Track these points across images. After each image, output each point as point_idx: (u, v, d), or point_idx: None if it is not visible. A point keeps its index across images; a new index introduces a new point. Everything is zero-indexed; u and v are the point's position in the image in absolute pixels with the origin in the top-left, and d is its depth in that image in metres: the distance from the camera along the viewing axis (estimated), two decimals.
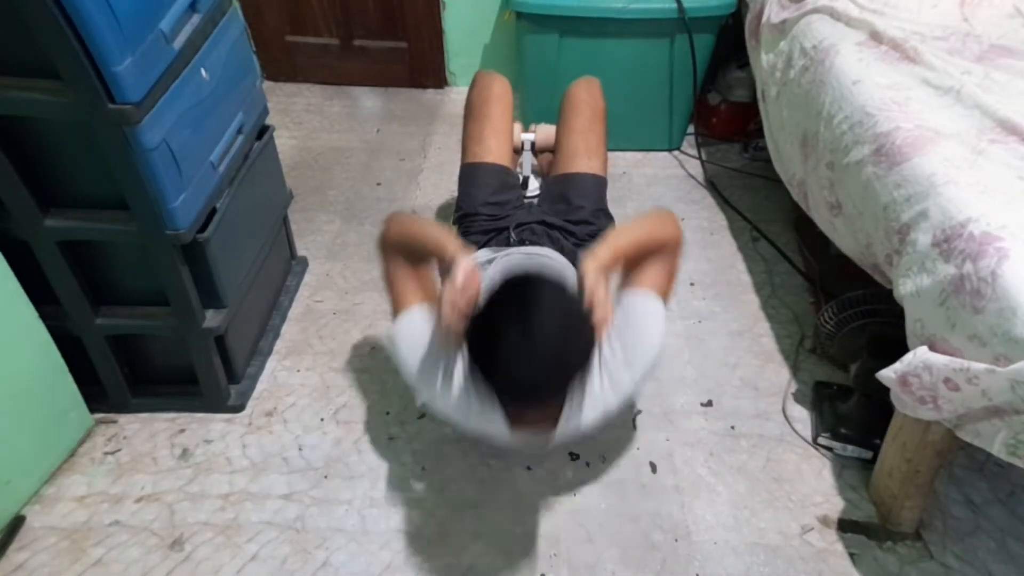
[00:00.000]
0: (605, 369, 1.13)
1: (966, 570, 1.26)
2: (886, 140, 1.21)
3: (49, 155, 1.17)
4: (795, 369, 1.62)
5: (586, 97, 1.61)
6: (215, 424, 1.50)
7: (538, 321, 0.93)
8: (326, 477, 1.40)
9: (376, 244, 1.28)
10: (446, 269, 1.11)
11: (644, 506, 1.36)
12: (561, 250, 1.41)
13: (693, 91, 2.18)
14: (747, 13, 1.93)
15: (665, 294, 1.20)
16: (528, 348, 0.92)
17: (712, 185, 2.19)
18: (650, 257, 1.20)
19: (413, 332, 1.17)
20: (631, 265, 1.21)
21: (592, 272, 1.07)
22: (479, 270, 1.10)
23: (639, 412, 1.53)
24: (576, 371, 0.98)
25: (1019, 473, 1.39)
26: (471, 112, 1.63)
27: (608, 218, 1.53)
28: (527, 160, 1.88)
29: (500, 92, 1.63)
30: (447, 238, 1.17)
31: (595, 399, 1.12)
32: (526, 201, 1.61)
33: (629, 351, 1.13)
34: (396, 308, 1.22)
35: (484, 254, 1.38)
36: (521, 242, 1.42)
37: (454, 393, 1.12)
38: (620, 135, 2.09)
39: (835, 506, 1.36)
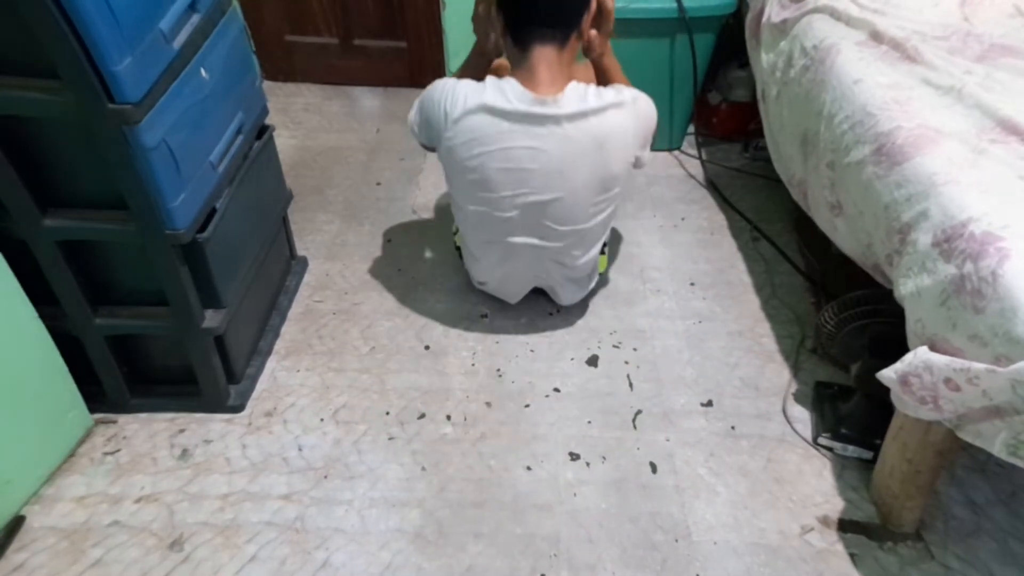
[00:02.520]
0: (613, 86, 1.42)
1: (967, 571, 1.26)
2: (887, 140, 1.21)
3: (48, 155, 1.17)
4: (796, 369, 1.62)
5: None
6: (214, 424, 1.50)
7: None
8: (326, 477, 1.40)
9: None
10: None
11: (644, 506, 1.36)
12: None
13: (693, 91, 2.18)
14: (747, 13, 1.93)
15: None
16: None
17: (712, 185, 2.19)
18: None
19: (439, 81, 1.44)
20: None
21: None
22: None
23: (639, 412, 1.53)
24: None
25: (1020, 473, 1.39)
26: None
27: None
28: None
29: None
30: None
31: (594, 91, 1.37)
32: None
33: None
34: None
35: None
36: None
37: (472, 85, 1.38)
38: None
39: (836, 506, 1.36)
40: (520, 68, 1.39)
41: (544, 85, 1.36)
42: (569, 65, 1.42)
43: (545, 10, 1.35)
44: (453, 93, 1.38)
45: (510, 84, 1.36)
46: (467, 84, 1.39)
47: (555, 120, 1.35)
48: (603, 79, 1.56)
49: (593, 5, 1.40)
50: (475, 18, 1.49)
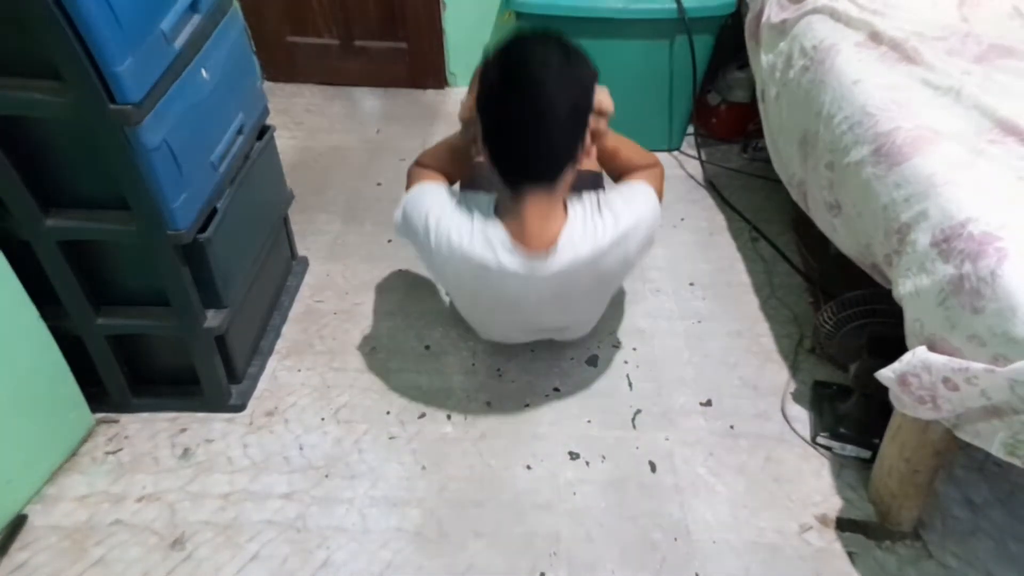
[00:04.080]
0: (604, 202, 1.28)
1: (965, 570, 1.26)
2: (886, 140, 1.21)
3: (50, 155, 1.18)
4: (794, 369, 1.62)
5: None
6: (216, 424, 1.50)
7: (539, 61, 1.12)
8: (327, 476, 1.40)
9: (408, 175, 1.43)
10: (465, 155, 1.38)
11: (644, 506, 1.36)
12: None
13: (693, 91, 2.18)
14: (747, 13, 1.93)
15: (658, 192, 1.37)
16: (529, 85, 1.10)
17: (712, 185, 2.20)
18: (636, 169, 1.41)
19: (425, 189, 1.32)
20: (617, 170, 1.44)
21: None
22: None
23: (639, 412, 1.53)
24: (574, 131, 1.18)
25: (1018, 473, 1.40)
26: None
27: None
28: None
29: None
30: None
31: (590, 226, 1.25)
32: None
33: (626, 195, 1.32)
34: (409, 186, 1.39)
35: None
36: None
37: (458, 218, 1.25)
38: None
39: (834, 505, 1.36)
40: (508, 211, 1.23)
41: (534, 237, 1.21)
42: (563, 195, 1.26)
43: (537, 169, 1.19)
44: (437, 233, 1.25)
45: (497, 234, 1.22)
46: (451, 219, 1.25)
47: (547, 278, 1.25)
48: (609, 164, 1.43)
49: (588, 133, 1.23)
50: (462, 116, 1.33)
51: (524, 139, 1.15)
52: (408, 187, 1.39)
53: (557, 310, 1.40)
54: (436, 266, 1.34)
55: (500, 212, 1.26)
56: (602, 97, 1.24)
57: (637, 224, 1.28)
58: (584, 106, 1.18)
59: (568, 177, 1.23)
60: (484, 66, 1.16)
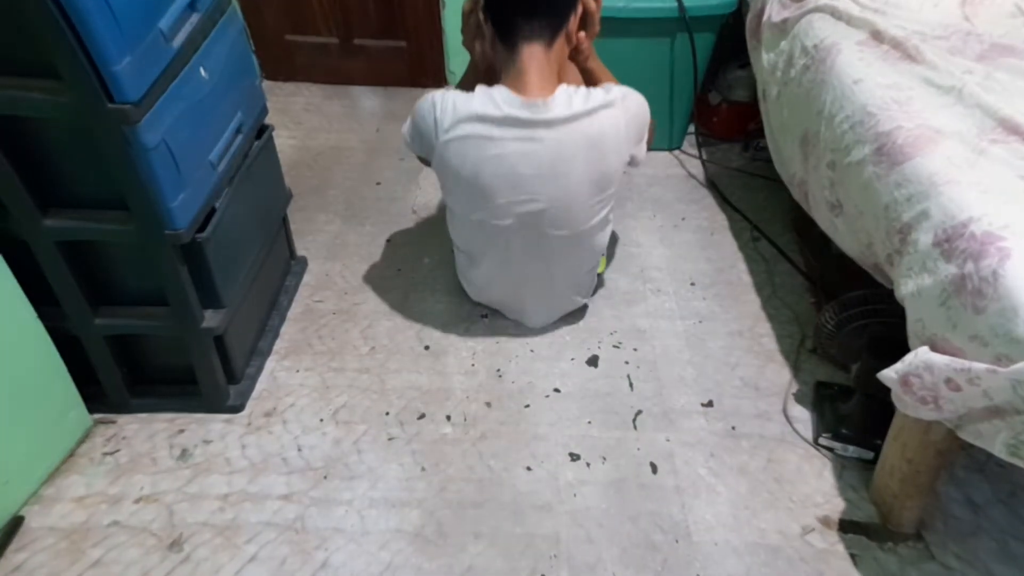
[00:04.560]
0: (601, 86, 1.42)
1: (967, 571, 1.26)
2: (887, 139, 1.21)
3: (48, 155, 1.17)
4: (796, 369, 1.62)
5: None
6: (214, 424, 1.50)
7: None
8: (325, 477, 1.40)
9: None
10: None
11: (644, 506, 1.36)
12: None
13: (693, 91, 2.18)
14: (748, 12, 1.93)
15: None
16: None
17: (712, 185, 2.19)
18: None
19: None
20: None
21: None
22: None
23: (639, 412, 1.53)
24: None
25: (1020, 473, 1.39)
26: None
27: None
28: None
29: None
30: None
31: (583, 92, 1.38)
32: None
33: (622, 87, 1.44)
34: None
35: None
36: None
37: (463, 94, 1.38)
38: None
39: (836, 507, 1.36)
40: (509, 73, 1.39)
41: (534, 88, 1.36)
42: (558, 67, 1.42)
43: (533, 4, 1.35)
44: (443, 103, 1.39)
45: (499, 91, 1.37)
46: (457, 94, 1.40)
47: (546, 124, 1.35)
48: (591, 81, 1.55)
49: (579, 7, 1.41)
50: (463, 27, 1.50)
51: None
52: None
53: (554, 183, 1.42)
54: (439, 149, 1.41)
55: (503, 82, 1.40)
56: None
57: (626, 95, 1.42)
58: None
59: (561, 44, 1.40)
60: None
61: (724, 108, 2.33)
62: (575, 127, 1.36)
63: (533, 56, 1.37)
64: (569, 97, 1.36)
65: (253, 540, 1.29)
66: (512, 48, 1.37)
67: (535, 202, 1.43)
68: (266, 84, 2.60)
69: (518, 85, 1.37)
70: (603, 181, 1.45)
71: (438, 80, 2.62)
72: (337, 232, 2.00)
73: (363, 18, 2.50)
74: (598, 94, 1.39)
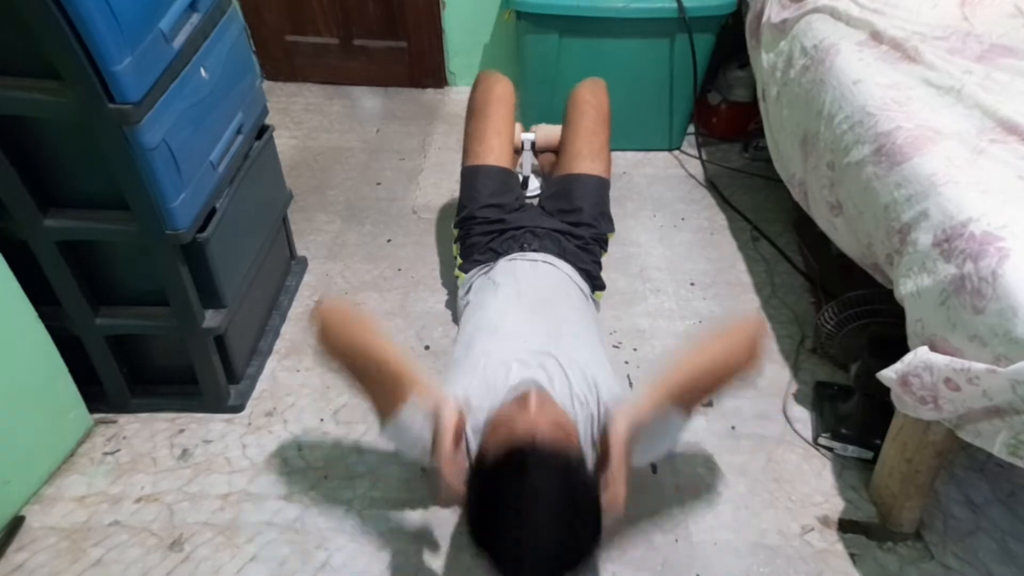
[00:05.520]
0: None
1: (966, 570, 1.26)
2: (887, 140, 1.21)
3: (49, 155, 1.17)
4: (795, 369, 1.62)
5: (591, 99, 1.62)
6: (215, 424, 1.50)
7: (535, 515, 0.85)
8: (326, 477, 1.40)
9: (316, 341, 1.11)
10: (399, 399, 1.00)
11: (644, 506, 1.36)
12: (563, 252, 1.42)
13: (693, 91, 2.18)
14: (747, 13, 1.93)
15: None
16: (524, 543, 0.85)
17: (712, 185, 2.19)
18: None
19: (410, 435, 1.03)
20: (692, 397, 1.06)
21: (620, 436, 0.93)
22: (465, 410, 1.01)
23: None
24: (578, 560, 0.89)
25: (1020, 473, 1.39)
26: (473, 112, 1.63)
27: (609, 221, 1.54)
28: (527, 160, 1.89)
29: (502, 93, 1.63)
30: (408, 364, 1.02)
31: None
32: (527, 201, 1.61)
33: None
34: (381, 414, 1.06)
35: (477, 275, 1.43)
36: (522, 247, 1.42)
37: None
38: (620, 135, 2.08)
39: (835, 506, 1.36)
40: None
41: None
42: None
43: None
44: None
45: None
46: None
47: None
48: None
49: None
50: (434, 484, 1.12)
51: None
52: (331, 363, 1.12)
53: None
54: None
55: None
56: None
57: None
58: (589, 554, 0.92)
59: None
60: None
61: (724, 108, 2.33)
62: None
63: None
64: None
65: (253, 540, 1.29)
66: None
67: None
68: (266, 84, 2.60)
69: None
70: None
71: (438, 80, 2.62)
72: (337, 232, 2.01)
73: (363, 18, 2.50)
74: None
